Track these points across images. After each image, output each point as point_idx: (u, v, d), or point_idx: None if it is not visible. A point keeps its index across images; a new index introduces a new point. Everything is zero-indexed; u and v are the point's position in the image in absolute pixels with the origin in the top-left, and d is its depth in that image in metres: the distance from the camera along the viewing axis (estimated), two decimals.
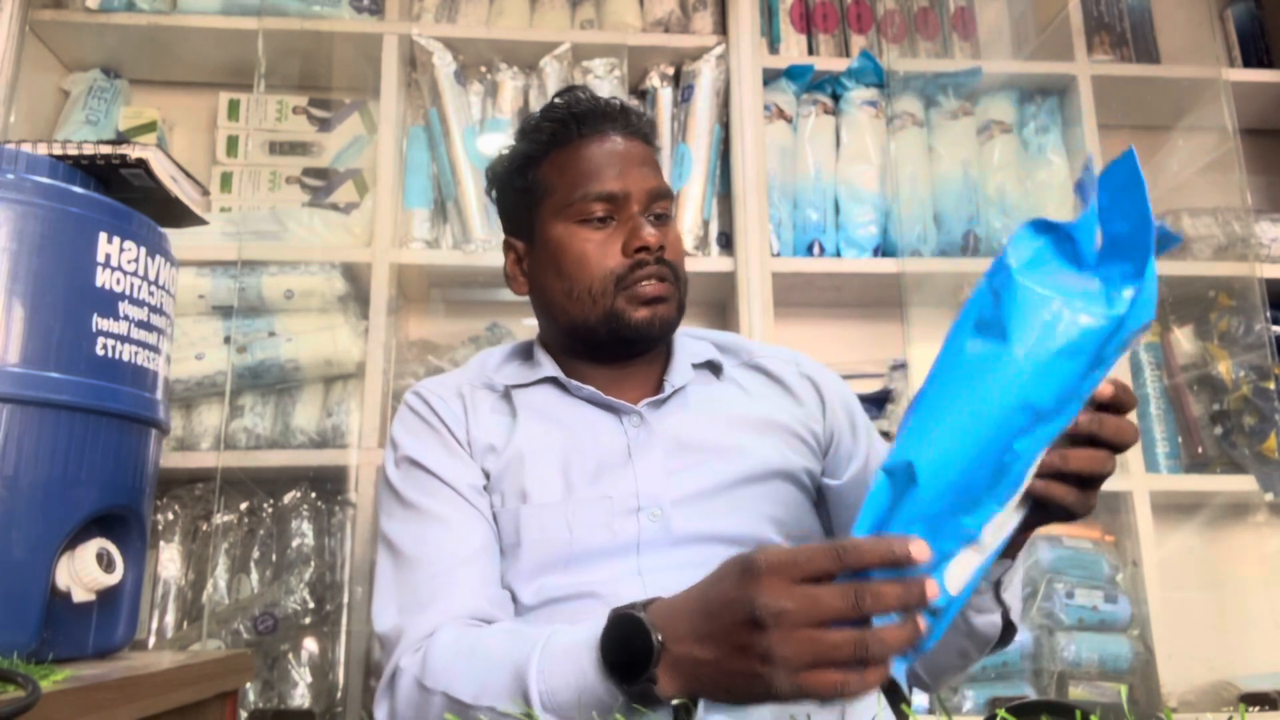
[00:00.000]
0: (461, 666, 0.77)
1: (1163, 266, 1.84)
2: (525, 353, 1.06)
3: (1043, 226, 0.61)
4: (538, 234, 1.00)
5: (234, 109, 1.89)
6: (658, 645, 0.63)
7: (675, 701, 0.64)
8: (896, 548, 0.57)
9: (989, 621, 0.82)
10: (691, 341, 1.06)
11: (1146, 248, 0.57)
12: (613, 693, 0.66)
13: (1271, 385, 1.76)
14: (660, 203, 0.98)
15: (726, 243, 1.84)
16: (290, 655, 1.55)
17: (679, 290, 0.98)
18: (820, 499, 1.01)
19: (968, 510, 0.60)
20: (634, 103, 1.90)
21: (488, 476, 0.94)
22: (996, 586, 0.79)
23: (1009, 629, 0.84)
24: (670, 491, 0.91)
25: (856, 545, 0.58)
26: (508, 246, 1.05)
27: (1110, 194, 0.60)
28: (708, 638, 0.62)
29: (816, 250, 1.82)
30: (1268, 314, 1.80)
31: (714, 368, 1.03)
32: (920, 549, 0.57)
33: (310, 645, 1.56)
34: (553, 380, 0.99)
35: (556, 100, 1.02)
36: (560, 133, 0.99)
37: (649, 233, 0.95)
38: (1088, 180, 0.62)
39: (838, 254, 1.84)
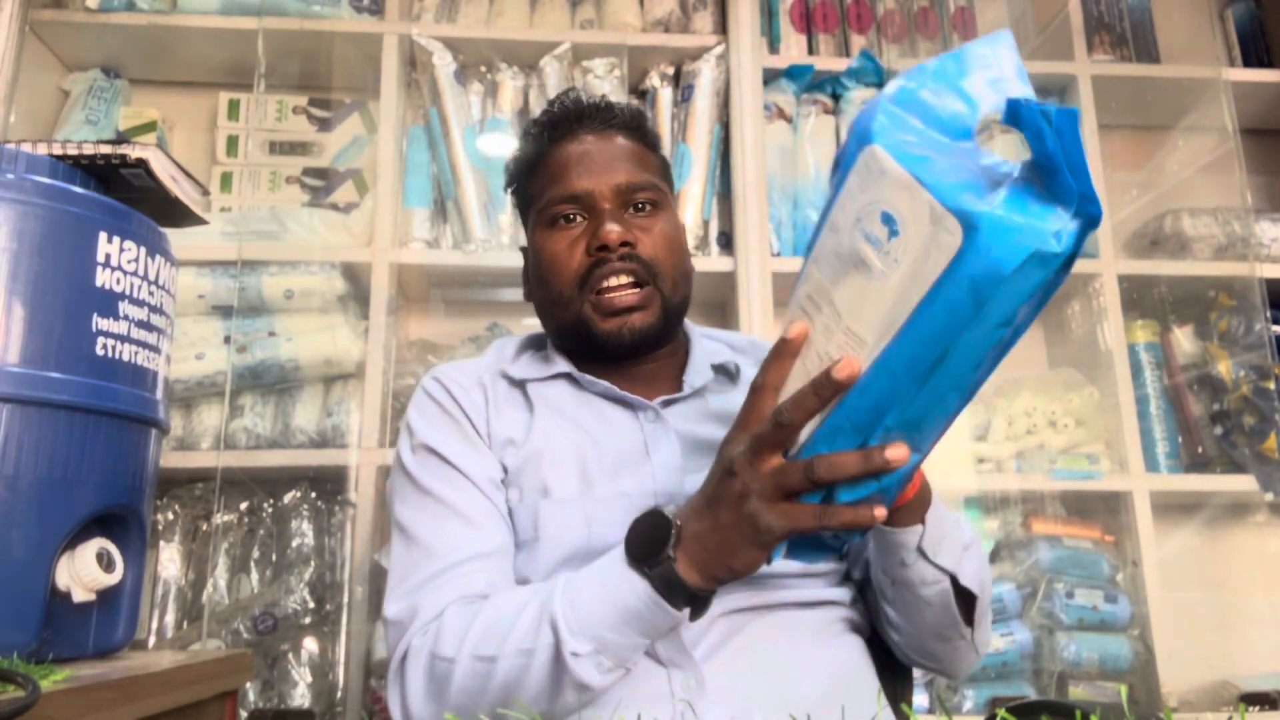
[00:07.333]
0: (481, 626, 0.79)
1: (1163, 266, 1.88)
2: (539, 345, 1.06)
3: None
4: (530, 241, 1.02)
5: (234, 109, 1.89)
6: (675, 524, 0.73)
7: (690, 599, 0.73)
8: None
9: (938, 591, 0.83)
10: (709, 342, 1.05)
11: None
12: (635, 587, 0.73)
13: (1271, 385, 1.76)
14: (640, 194, 0.97)
15: (726, 242, 1.83)
16: (290, 655, 1.55)
17: (659, 289, 0.95)
18: None
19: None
20: (633, 101, 1.90)
21: (506, 470, 0.94)
22: (924, 554, 0.81)
23: (970, 596, 0.85)
24: (687, 488, 0.90)
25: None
26: (523, 252, 1.07)
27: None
28: (705, 507, 0.72)
29: None
30: (1268, 314, 1.80)
31: (729, 372, 1.02)
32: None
33: (310, 645, 1.56)
34: (567, 376, 0.99)
35: (548, 105, 1.04)
36: (540, 140, 1.01)
37: (608, 229, 0.92)
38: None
39: None
